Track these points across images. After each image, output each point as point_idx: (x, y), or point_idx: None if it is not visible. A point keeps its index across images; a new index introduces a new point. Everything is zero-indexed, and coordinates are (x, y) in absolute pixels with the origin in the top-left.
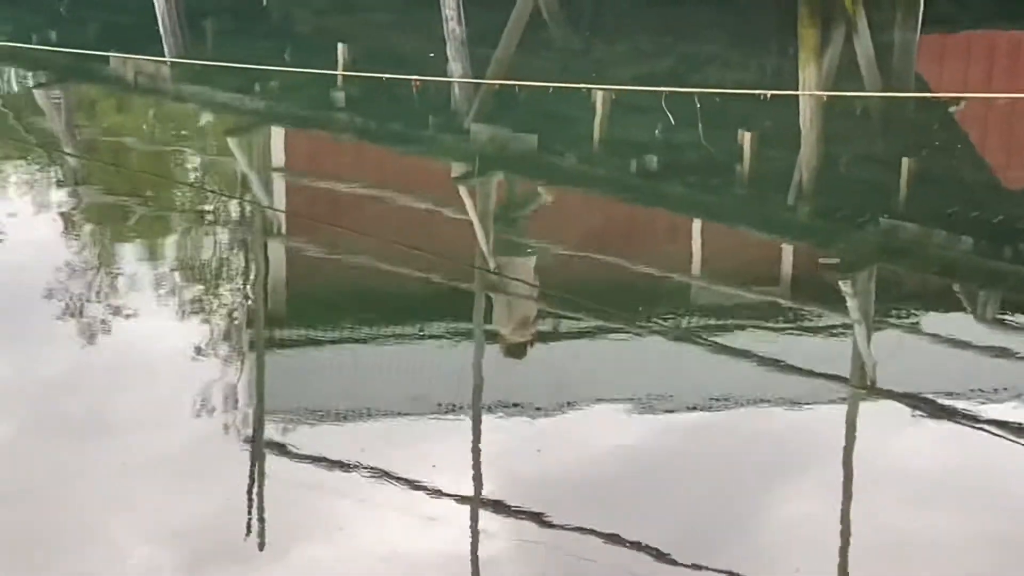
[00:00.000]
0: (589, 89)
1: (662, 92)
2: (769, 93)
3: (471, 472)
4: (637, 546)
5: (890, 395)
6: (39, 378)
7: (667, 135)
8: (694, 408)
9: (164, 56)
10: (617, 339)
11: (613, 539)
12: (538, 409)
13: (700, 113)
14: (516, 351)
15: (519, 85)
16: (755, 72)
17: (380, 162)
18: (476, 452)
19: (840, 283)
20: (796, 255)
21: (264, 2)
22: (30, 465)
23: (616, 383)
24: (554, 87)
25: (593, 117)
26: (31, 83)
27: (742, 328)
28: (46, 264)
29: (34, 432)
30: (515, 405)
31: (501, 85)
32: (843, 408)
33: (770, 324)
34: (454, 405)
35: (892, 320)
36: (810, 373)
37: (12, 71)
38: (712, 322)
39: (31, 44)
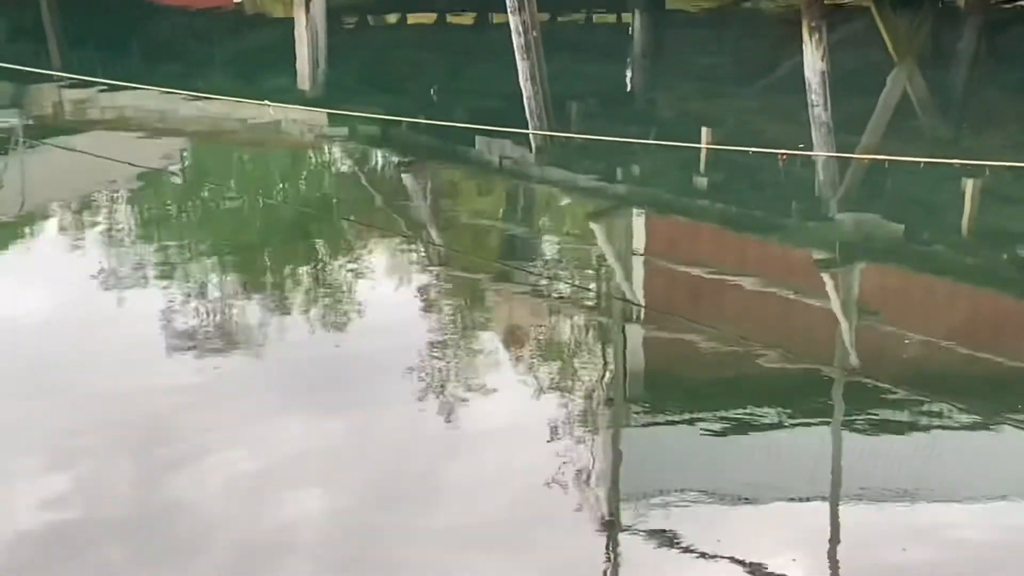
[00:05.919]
0: (962, 165)
1: None
2: None
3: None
4: None
5: None
6: (391, 446)
7: None
8: None
9: (529, 141)
10: (984, 433)
11: None
12: (901, 503)
13: None
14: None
15: (887, 160)
16: None
17: (741, 247)
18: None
19: None
20: None
21: (628, 87)
22: (372, 529)
23: (983, 478)
24: (924, 162)
25: (962, 205)
26: (399, 164)
27: None
28: (404, 341)
29: (375, 497)
30: (878, 499)
31: (867, 174)
32: None
33: None
34: (812, 495)
35: None
36: None
37: (381, 153)
38: None
39: (402, 127)
